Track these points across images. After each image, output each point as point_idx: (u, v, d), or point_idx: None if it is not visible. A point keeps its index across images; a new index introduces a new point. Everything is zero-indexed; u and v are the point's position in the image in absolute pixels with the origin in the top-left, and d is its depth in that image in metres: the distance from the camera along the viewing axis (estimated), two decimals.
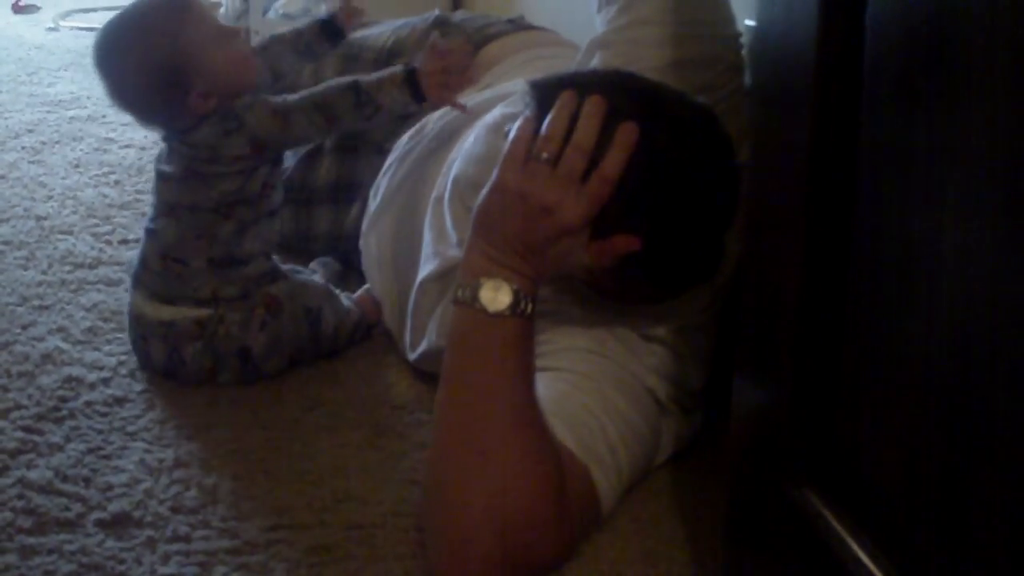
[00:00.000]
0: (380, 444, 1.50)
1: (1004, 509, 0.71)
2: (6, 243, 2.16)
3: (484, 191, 1.22)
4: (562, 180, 1.17)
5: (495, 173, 1.21)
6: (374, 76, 1.61)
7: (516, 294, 1.18)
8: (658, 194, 1.20)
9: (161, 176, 1.65)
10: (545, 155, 1.18)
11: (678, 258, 1.26)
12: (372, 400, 1.63)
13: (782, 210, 0.96)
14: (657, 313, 1.37)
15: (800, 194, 0.91)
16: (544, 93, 1.24)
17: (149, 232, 1.66)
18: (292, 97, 1.60)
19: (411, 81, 1.59)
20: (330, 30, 1.85)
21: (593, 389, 1.28)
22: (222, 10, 4.27)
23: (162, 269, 1.63)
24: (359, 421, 1.57)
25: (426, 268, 1.57)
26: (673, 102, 1.26)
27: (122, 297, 1.93)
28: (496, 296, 1.17)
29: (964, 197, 0.72)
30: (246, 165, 1.60)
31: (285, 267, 1.71)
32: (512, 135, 1.22)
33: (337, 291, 1.77)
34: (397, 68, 1.62)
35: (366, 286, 1.83)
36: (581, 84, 1.23)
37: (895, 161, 0.81)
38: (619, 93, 1.22)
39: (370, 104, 1.59)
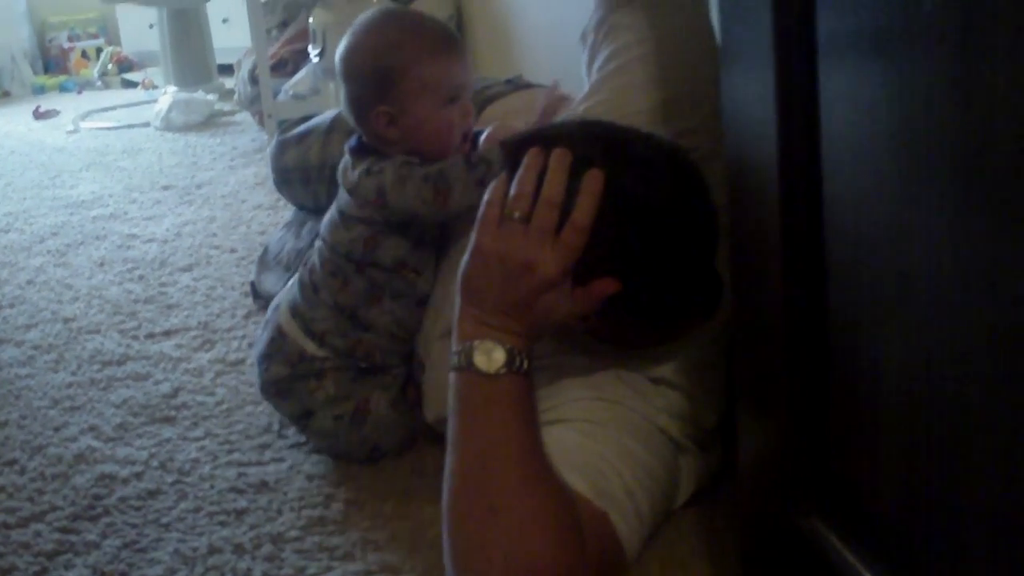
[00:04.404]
0: (408, 513, 1.52)
1: (989, 517, 0.72)
2: (36, 347, 2.21)
3: (465, 257, 1.24)
4: (537, 236, 1.19)
5: (473, 238, 1.23)
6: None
7: (509, 352, 1.20)
8: (629, 235, 1.22)
9: (333, 195, 1.67)
10: (517, 214, 1.20)
11: (661, 295, 1.27)
12: (399, 470, 1.65)
13: (759, 258, 0.98)
14: (661, 353, 1.39)
15: (776, 245, 0.93)
16: (512, 152, 1.26)
17: (318, 241, 1.70)
18: (418, 168, 1.56)
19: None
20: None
21: (604, 435, 1.29)
22: (235, 96, 4.37)
23: (305, 282, 1.68)
24: (387, 492, 1.58)
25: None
26: (638, 144, 1.27)
27: (151, 390, 1.96)
28: (490, 357, 1.19)
29: (930, 224, 0.73)
30: (372, 218, 1.59)
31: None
32: (485, 198, 1.24)
33: None
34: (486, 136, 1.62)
35: None
36: (547, 138, 1.25)
37: (859, 202, 0.82)
38: (584, 142, 1.24)
39: (482, 163, 1.54)
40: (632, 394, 1.35)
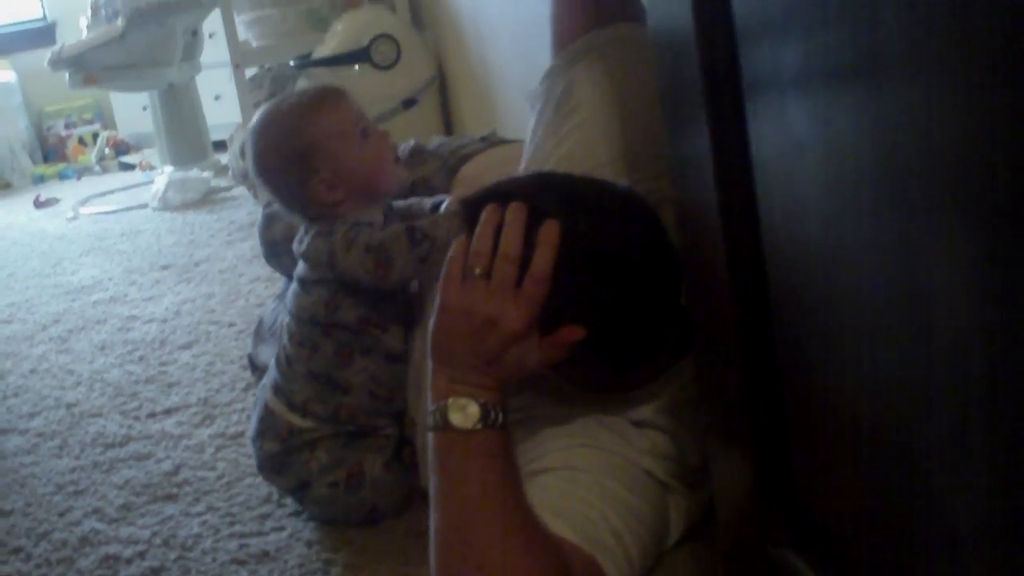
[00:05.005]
0: (405, 573, 1.53)
1: (949, 536, 0.73)
2: (39, 435, 2.23)
3: (432, 317, 1.27)
4: (498, 290, 1.21)
5: (438, 297, 1.26)
6: (426, 220, 1.67)
7: (483, 407, 1.21)
8: (588, 281, 1.24)
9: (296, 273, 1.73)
10: (478, 270, 1.23)
11: (627, 337, 1.29)
12: (396, 531, 1.66)
13: (709, 295, 1.00)
14: (642, 395, 1.40)
15: (723, 282, 0.95)
16: (471, 209, 1.29)
17: (285, 316, 1.75)
18: (366, 234, 1.63)
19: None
20: None
21: (588, 481, 1.30)
22: (230, 172, 4.41)
23: (280, 358, 1.72)
24: (385, 554, 1.60)
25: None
26: (592, 192, 1.30)
27: (152, 469, 1.98)
28: (465, 413, 1.21)
29: (858, 250, 0.75)
30: (327, 278, 1.64)
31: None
32: (448, 256, 1.27)
33: None
34: (446, 206, 1.71)
35: None
36: (503, 193, 1.28)
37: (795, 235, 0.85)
38: (540, 194, 1.27)
39: (425, 240, 1.60)
40: (614, 438, 1.37)
